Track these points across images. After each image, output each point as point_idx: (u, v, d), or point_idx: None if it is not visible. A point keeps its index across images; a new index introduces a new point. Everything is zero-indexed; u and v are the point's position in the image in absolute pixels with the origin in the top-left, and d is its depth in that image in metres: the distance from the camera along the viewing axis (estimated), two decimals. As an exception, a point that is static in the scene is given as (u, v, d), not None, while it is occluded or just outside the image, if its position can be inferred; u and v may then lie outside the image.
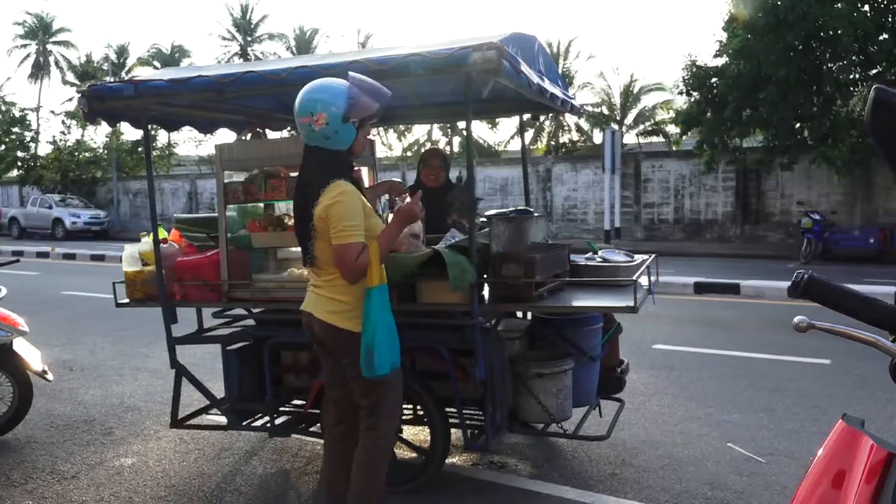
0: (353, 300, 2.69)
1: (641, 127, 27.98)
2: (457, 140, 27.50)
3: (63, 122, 28.64)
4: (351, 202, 2.61)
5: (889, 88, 1.14)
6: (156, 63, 38.02)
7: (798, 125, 15.16)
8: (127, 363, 6.40)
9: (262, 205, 3.93)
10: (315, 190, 2.63)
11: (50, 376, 4.52)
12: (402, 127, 27.49)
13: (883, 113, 1.13)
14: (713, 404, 4.87)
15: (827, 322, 1.36)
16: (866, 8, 13.91)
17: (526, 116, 4.91)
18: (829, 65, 14.45)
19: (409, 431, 3.94)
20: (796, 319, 1.36)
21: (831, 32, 13.55)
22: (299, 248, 2.86)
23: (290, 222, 3.85)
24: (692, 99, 16.41)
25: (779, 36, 13.62)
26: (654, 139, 27.83)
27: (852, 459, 1.19)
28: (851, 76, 14.36)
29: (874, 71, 14.46)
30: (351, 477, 2.79)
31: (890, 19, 13.92)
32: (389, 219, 3.10)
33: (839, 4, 13.20)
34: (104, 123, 4.19)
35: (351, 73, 2.68)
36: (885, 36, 13.79)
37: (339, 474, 2.89)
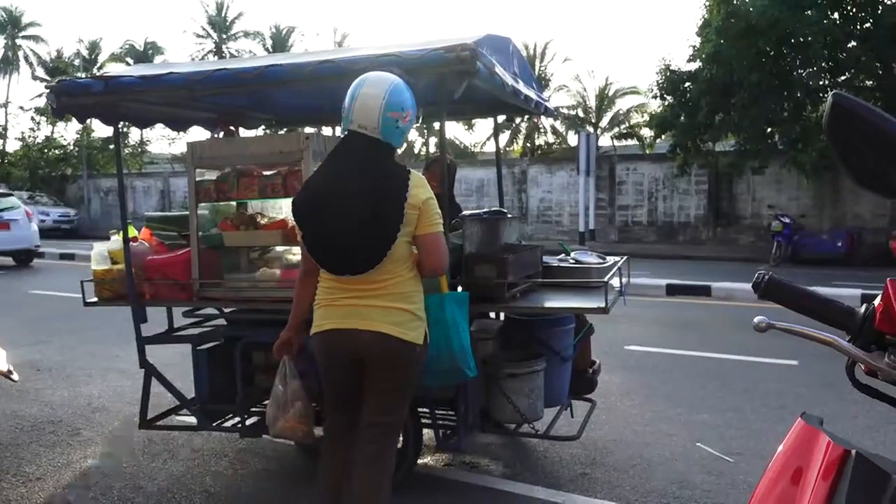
0: (414, 308, 2.55)
1: (616, 130, 28.25)
2: (432, 141, 27.52)
3: (32, 119, 28.21)
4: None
5: (847, 95, 1.17)
6: (128, 59, 37.46)
7: (769, 130, 15.39)
8: (95, 363, 6.30)
9: (234, 203, 3.90)
10: (403, 181, 2.50)
11: (15, 376, 4.41)
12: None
13: (841, 119, 1.16)
14: (683, 404, 4.93)
15: (788, 323, 1.39)
16: (836, 15, 14.17)
17: (501, 118, 4.93)
18: (800, 71, 14.69)
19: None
20: (756, 319, 1.38)
21: (801, 39, 13.77)
22: (290, 248, 2.73)
23: (263, 221, 3.84)
24: (666, 103, 16.59)
25: (751, 42, 13.82)
26: (629, 142, 28.11)
27: (810, 456, 1.22)
28: (821, 82, 14.62)
29: (843, 77, 14.75)
30: (367, 496, 2.59)
31: (858, 27, 14.20)
32: None
33: (809, 12, 13.44)
34: (74, 120, 4.11)
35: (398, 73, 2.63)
36: (854, 43, 14.06)
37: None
